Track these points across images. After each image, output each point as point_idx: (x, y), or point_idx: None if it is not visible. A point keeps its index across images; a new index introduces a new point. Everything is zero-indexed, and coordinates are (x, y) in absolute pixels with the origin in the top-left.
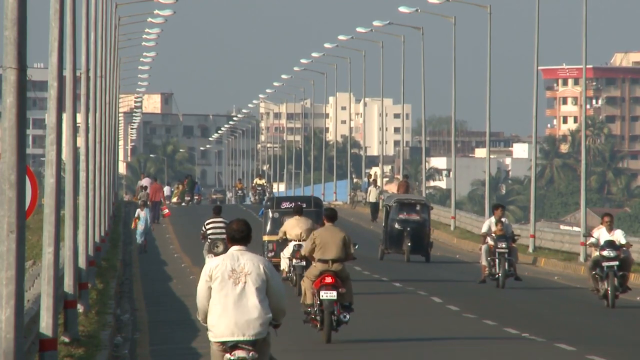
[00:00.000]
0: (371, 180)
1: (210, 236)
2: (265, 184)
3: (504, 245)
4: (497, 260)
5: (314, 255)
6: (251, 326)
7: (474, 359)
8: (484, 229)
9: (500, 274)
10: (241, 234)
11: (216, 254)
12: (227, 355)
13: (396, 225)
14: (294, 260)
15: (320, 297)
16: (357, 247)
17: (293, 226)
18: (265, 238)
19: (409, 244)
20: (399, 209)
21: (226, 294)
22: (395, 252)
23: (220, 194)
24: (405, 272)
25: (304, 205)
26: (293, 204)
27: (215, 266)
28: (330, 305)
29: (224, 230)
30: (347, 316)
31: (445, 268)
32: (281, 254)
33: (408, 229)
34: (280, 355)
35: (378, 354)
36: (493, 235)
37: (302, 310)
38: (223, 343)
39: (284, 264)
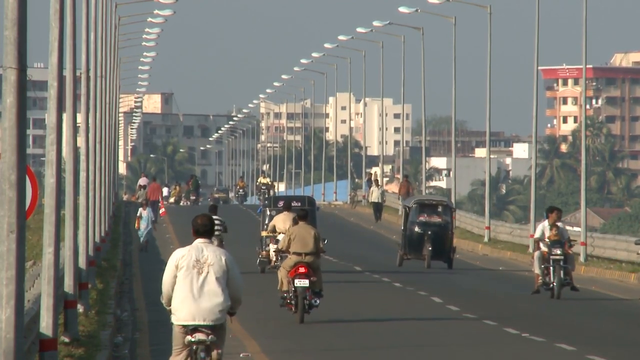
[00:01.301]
0: (372, 179)
1: None
2: (269, 183)
3: (559, 252)
4: (551, 268)
5: (290, 249)
6: (212, 312)
7: (474, 359)
8: (537, 234)
9: (555, 283)
10: (205, 228)
11: None
12: (189, 337)
13: (416, 229)
14: (282, 254)
15: (295, 285)
16: (325, 241)
17: (282, 221)
18: (264, 234)
19: (430, 249)
20: (419, 210)
21: (190, 282)
22: (415, 258)
23: (223, 193)
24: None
25: (299, 204)
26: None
27: (181, 256)
28: (303, 292)
29: (220, 227)
30: (318, 301)
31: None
32: (270, 245)
33: (429, 232)
34: (282, 355)
35: (378, 355)
36: (547, 240)
37: (279, 295)
38: (185, 326)
39: (273, 255)
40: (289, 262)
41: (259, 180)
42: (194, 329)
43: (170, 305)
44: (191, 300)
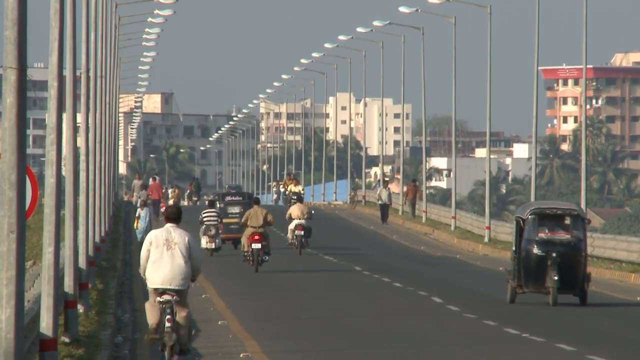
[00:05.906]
0: (382, 180)
1: (206, 223)
2: (302, 192)
3: None
4: None
5: (248, 223)
6: (176, 279)
7: (474, 359)
8: None
9: None
10: (174, 215)
11: (210, 236)
12: (158, 298)
13: (535, 250)
14: (296, 232)
15: (252, 247)
16: (272, 220)
17: (296, 209)
18: None
19: (556, 278)
20: (538, 223)
21: (160, 256)
22: (534, 291)
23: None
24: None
25: (240, 198)
26: (234, 197)
27: (154, 236)
28: (257, 251)
29: (216, 218)
30: (267, 257)
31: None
32: (289, 227)
33: (554, 254)
34: (282, 355)
35: (378, 355)
36: None
37: (242, 254)
38: (156, 289)
39: (290, 235)
40: (248, 232)
41: (289, 190)
42: (162, 292)
43: (145, 275)
44: (161, 269)
